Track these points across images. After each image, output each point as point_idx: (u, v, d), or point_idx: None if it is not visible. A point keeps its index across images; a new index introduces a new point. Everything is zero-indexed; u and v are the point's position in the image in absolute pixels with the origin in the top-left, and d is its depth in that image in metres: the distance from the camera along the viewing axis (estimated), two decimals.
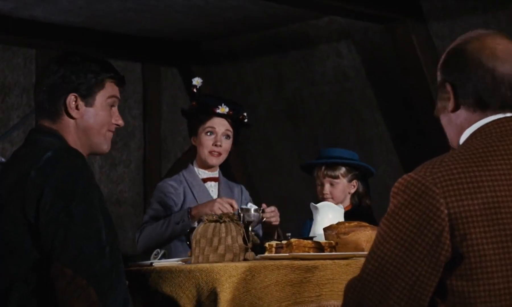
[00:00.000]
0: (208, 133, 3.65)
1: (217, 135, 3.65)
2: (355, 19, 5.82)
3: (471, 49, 1.83)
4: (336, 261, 2.43)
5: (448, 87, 1.85)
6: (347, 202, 3.93)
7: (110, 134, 2.56)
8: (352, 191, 3.93)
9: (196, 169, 3.76)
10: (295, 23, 6.35)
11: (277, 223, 3.51)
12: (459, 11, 5.53)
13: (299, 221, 4.22)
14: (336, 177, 3.88)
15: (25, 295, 2.31)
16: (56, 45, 6.35)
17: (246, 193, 3.88)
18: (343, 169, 3.89)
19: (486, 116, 1.81)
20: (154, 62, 7.24)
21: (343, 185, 3.90)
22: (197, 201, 3.66)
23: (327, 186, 3.89)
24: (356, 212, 3.89)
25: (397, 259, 1.70)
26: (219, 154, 3.68)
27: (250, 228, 3.17)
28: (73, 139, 2.47)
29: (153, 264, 2.70)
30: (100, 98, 2.50)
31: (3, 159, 2.73)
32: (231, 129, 3.69)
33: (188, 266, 2.56)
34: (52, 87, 2.46)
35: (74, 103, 2.46)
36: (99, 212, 2.32)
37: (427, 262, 1.68)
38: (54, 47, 6.35)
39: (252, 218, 3.24)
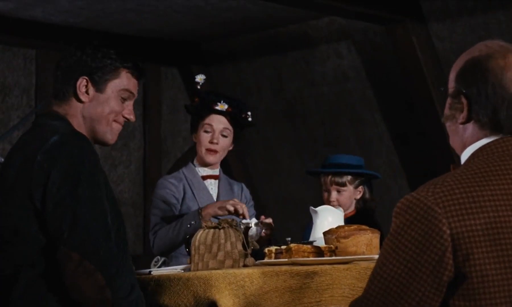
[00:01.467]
0: (206, 130, 3.64)
1: (214, 132, 3.63)
2: (355, 20, 5.81)
3: (493, 66, 1.79)
4: (335, 266, 2.41)
5: (463, 100, 1.82)
6: (352, 207, 3.93)
7: (117, 126, 2.52)
8: (358, 196, 3.93)
9: (196, 166, 3.74)
10: (295, 23, 6.35)
11: (269, 234, 3.45)
12: (459, 12, 5.52)
13: (299, 222, 4.22)
14: (343, 185, 3.88)
15: (32, 279, 2.31)
16: (56, 45, 6.35)
17: (246, 192, 3.86)
18: (349, 177, 3.89)
19: (493, 136, 1.80)
20: (154, 62, 7.23)
21: (349, 192, 3.89)
22: (196, 199, 3.65)
23: (334, 194, 3.88)
24: (359, 215, 3.88)
25: (401, 279, 1.70)
26: (216, 151, 3.65)
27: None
28: (78, 123, 2.46)
29: (152, 273, 2.68)
30: (112, 86, 2.48)
31: (2, 159, 2.72)
32: (230, 127, 3.66)
33: (187, 274, 2.54)
34: (67, 69, 2.46)
35: (84, 87, 2.45)
36: (105, 196, 2.32)
37: (430, 283, 1.68)
38: (54, 48, 6.35)
39: (253, 232, 3.21)
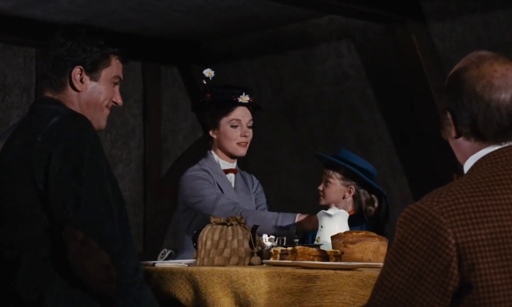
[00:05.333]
0: (233, 125, 3.61)
1: (243, 126, 3.62)
2: (355, 19, 5.81)
3: (467, 77, 1.82)
4: (338, 271, 2.39)
5: (448, 115, 1.86)
6: (350, 207, 3.91)
7: (108, 111, 2.60)
8: (348, 196, 3.90)
9: (217, 159, 3.70)
10: (295, 22, 6.35)
11: None
12: (459, 11, 5.51)
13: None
14: (330, 177, 3.89)
15: (35, 262, 2.33)
16: None
17: (256, 182, 3.90)
18: (338, 172, 3.88)
19: (487, 146, 1.81)
20: (154, 61, 7.23)
21: (336, 187, 3.88)
22: (222, 191, 3.60)
23: (322, 184, 3.92)
24: (358, 219, 3.87)
25: (406, 289, 1.70)
26: (247, 143, 3.67)
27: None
28: (76, 110, 2.50)
29: (156, 265, 2.68)
30: (105, 74, 2.55)
31: None
32: (252, 117, 3.67)
33: (190, 268, 2.54)
34: (58, 59, 2.50)
35: (79, 76, 2.50)
36: (107, 177, 2.34)
37: (435, 293, 1.68)
38: None
39: (266, 247, 3.11)
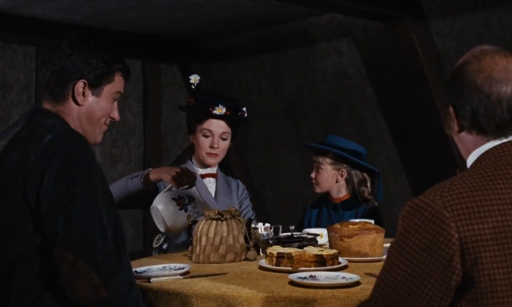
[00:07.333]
0: (205, 135, 3.63)
1: (214, 137, 3.62)
2: (355, 17, 5.81)
3: (469, 70, 1.83)
4: (335, 294, 2.36)
5: (450, 109, 1.86)
6: (344, 191, 3.95)
7: (105, 127, 2.57)
8: (340, 179, 3.93)
9: (195, 165, 3.74)
10: (295, 20, 6.35)
11: None
12: (459, 9, 5.51)
13: (298, 218, 4.22)
14: (321, 164, 3.93)
15: (28, 278, 2.31)
16: None
17: (242, 187, 3.87)
18: (328, 157, 3.93)
19: (488, 140, 1.82)
20: (154, 59, 7.24)
21: (327, 172, 3.93)
22: (200, 195, 3.63)
23: (313, 172, 3.97)
24: (353, 202, 3.89)
25: (408, 283, 1.70)
26: (216, 155, 3.66)
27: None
28: (74, 124, 2.47)
29: (151, 281, 2.65)
30: (108, 90, 2.52)
31: None
32: (228, 130, 3.65)
33: (186, 288, 2.50)
34: (62, 70, 2.45)
35: (81, 89, 2.47)
36: (101, 195, 2.32)
37: (438, 287, 1.68)
38: None
39: (262, 238, 3.14)
